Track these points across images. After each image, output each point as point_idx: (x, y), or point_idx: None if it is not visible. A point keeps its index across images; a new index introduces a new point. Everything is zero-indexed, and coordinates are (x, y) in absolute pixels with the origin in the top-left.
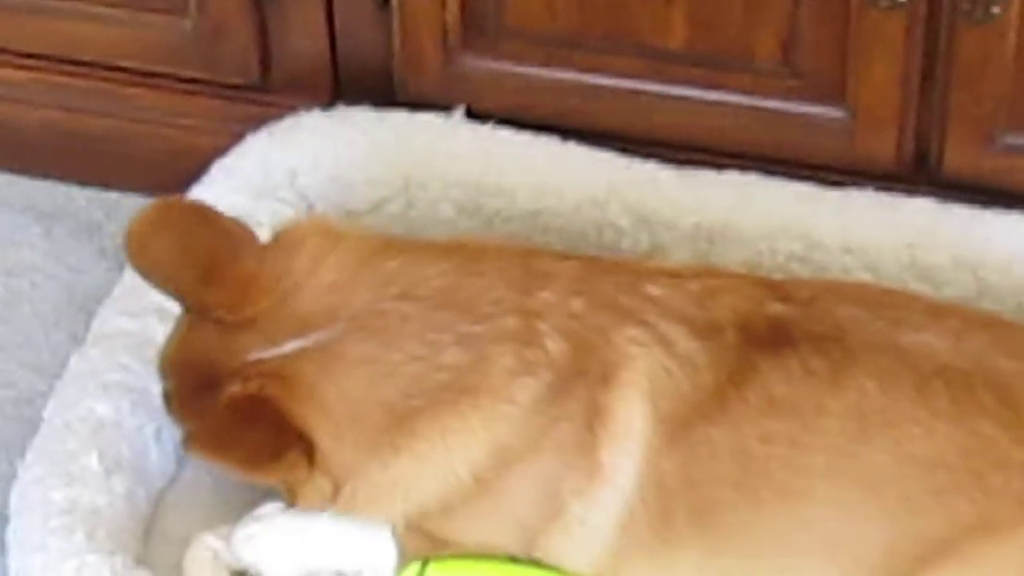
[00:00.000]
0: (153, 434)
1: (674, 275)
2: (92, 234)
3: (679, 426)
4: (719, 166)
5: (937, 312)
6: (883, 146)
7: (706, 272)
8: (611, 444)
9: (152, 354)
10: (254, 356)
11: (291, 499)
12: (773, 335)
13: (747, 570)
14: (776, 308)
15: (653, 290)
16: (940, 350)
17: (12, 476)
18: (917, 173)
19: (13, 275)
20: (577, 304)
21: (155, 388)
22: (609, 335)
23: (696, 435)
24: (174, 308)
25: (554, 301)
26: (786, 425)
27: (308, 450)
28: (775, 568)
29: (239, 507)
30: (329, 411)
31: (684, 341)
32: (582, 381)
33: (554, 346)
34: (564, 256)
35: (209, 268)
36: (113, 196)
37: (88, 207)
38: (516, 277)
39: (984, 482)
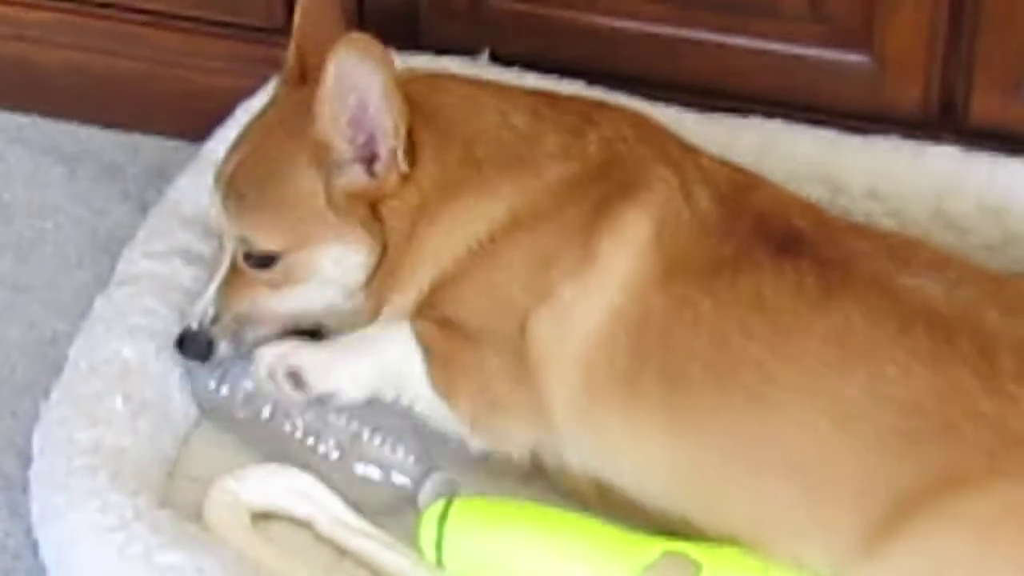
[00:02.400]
0: (178, 378)
1: (734, 166)
2: (115, 176)
3: (672, 273)
4: (743, 111)
5: (942, 263)
6: (908, 93)
7: (765, 180)
8: (611, 238)
9: (178, 298)
10: None
11: (372, 218)
12: (783, 240)
13: (714, 469)
14: (800, 222)
15: (704, 160)
16: (932, 296)
17: (35, 416)
18: (942, 120)
19: (36, 216)
20: (628, 131)
21: (179, 331)
22: (644, 163)
23: (684, 292)
24: (199, 250)
25: (611, 119)
26: (766, 328)
27: (412, 153)
28: (742, 477)
29: (260, 451)
30: (436, 127)
31: (705, 201)
32: (603, 183)
33: (594, 149)
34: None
35: None
36: (136, 138)
37: (111, 149)
38: (589, 103)
39: (956, 431)
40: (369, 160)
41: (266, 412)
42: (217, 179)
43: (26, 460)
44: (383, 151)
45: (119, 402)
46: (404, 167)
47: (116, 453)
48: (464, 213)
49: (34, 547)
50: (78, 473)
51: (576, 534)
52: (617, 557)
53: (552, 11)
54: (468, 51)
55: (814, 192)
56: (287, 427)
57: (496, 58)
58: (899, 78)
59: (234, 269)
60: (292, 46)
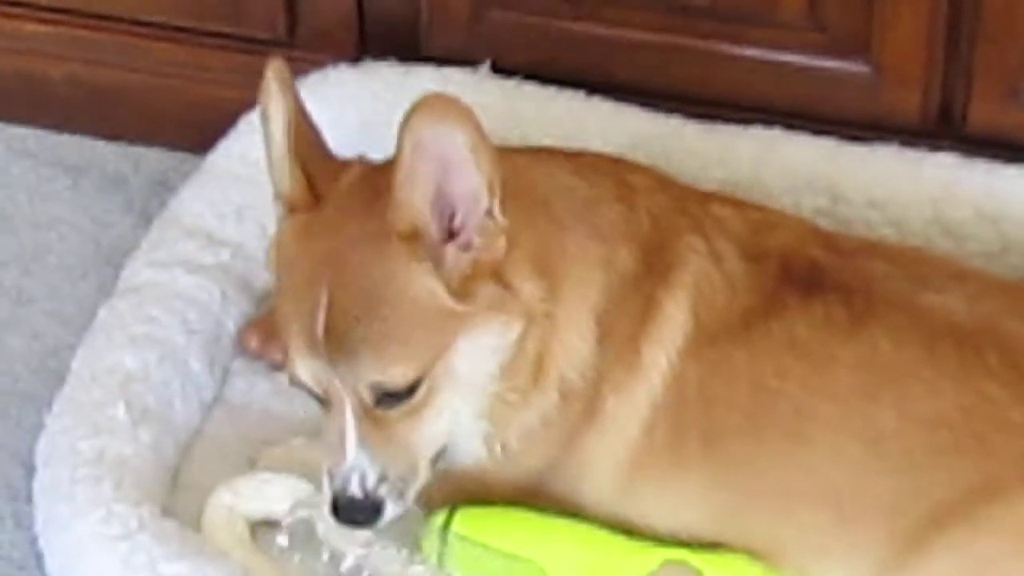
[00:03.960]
0: (179, 386)
1: (739, 203)
2: (118, 187)
3: (708, 339)
4: (744, 121)
5: (961, 276)
6: (907, 101)
7: (767, 209)
8: (653, 339)
9: (180, 306)
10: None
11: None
12: (808, 277)
13: (750, 508)
14: (817, 253)
15: (718, 209)
16: (954, 311)
17: (39, 427)
18: (941, 128)
19: (40, 228)
20: (663, 199)
21: (181, 340)
22: (678, 236)
23: (720, 352)
24: (202, 260)
25: (648, 186)
26: (800, 366)
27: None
28: (777, 511)
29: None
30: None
31: (733, 260)
32: (653, 271)
33: (646, 223)
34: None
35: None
36: (139, 150)
37: (115, 161)
38: (608, 163)
39: (986, 443)
40: (454, 233)
41: None
42: (310, 343)
43: (30, 470)
44: (473, 216)
45: (121, 411)
46: (502, 220)
47: (119, 462)
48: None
49: (39, 558)
50: (82, 483)
51: (577, 543)
52: (618, 566)
53: (552, 22)
54: (469, 62)
55: (814, 201)
56: None
57: (497, 69)
58: (898, 86)
59: (366, 418)
60: (290, 169)
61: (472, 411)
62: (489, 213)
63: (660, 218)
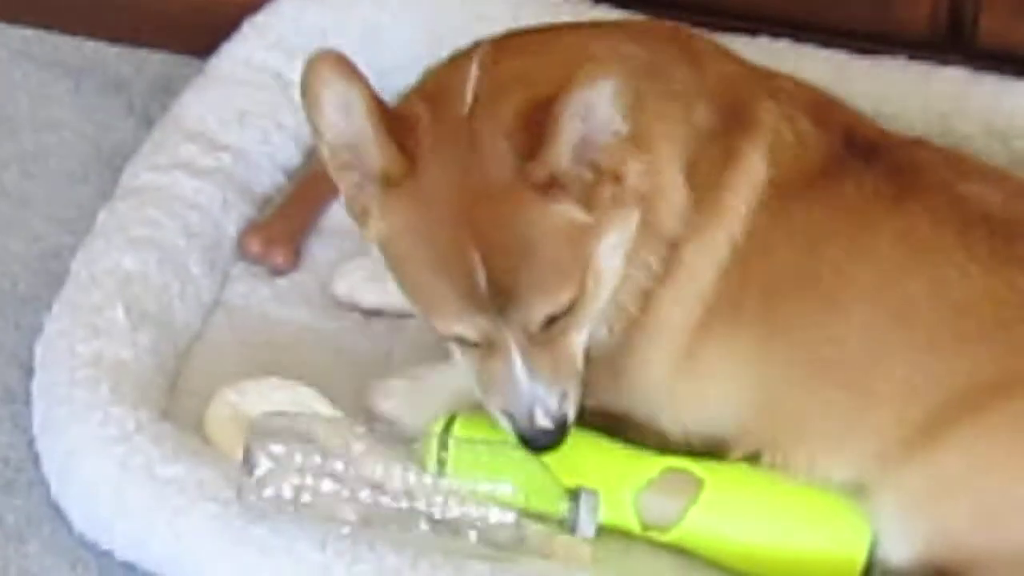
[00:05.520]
0: (179, 289)
1: (800, 83)
2: (120, 90)
3: (777, 193)
4: (751, 32)
5: (1002, 177)
6: (917, 13)
7: (827, 94)
8: (734, 186)
9: (180, 209)
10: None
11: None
12: (866, 150)
13: (785, 380)
14: (874, 133)
15: (781, 82)
16: (991, 203)
17: (38, 329)
18: (950, 42)
19: (41, 130)
20: (732, 65)
21: (182, 243)
22: (754, 97)
23: (784, 206)
24: (203, 164)
25: (713, 53)
26: (846, 230)
27: None
28: (805, 384)
29: (262, 363)
30: None
31: (803, 122)
32: (732, 125)
33: (721, 86)
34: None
35: None
36: (142, 53)
37: (116, 63)
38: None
39: (1009, 334)
40: (582, 155)
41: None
42: (472, 302)
43: (28, 372)
44: (603, 141)
45: (120, 313)
46: (626, 136)
47: (117, 365)
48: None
49: (36, 459)
50: (80, 385)
51: (579, 450)
52: (619, 474)
53: None
54: None
55: None
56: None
57: None
58: None
59: (529, 347)
60: (385, 146)
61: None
62: (616, 133)
63: (730, 80)
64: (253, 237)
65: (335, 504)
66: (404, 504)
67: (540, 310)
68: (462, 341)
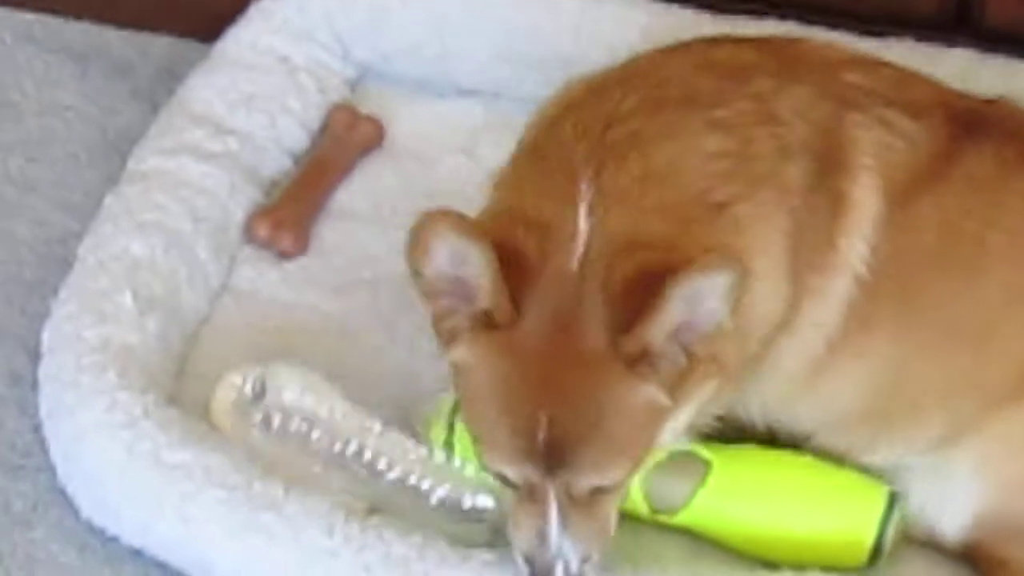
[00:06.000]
0: (186, 274)
1: (861, 63)
2: (126, 74)
3: (899, 201)
4: (757, 13)
5: None
6: None
7: (883, 62)
8: (847, 230)
9: (187, 194)
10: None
11: None
12: (971, 121)
13: (933, 357)
14: (965, 101)
15: (853, 77)
16: None
17: (45, 314)
18: (958, 23)
19: (47, 115)
20: (799, 91)
21: (189, 228)
22: (837, 118)
23: (910, 208)
24: (209, 148)
25: (775, 87)
26: (980, 203)
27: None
28: (946, 353)
29: (270, 349)
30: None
31: (900, 121)
32: (827, 167)
33: (802, 129)
34: (737, 43)
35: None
36: (147, 37)
37: (122, 48)
38: (714, 70)
39: None
40: (687, 342)
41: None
42: (526, 455)
43: (35, 357)
44: (705, 331)
45: (128, 298)
46: (729, 327)
47: (125, 350)
48: (760, 260)
49: (43, 444)
50: (87, 371)
51: None
52: None
53: None
54: None
55: None
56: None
57: None
58: None
59: (568, 504)
60: (492, 292)
61: None
62: (720, 325)
63: (808, 114)
64: (261, 221)
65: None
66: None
67: (590, 481)
68: (505, 480)
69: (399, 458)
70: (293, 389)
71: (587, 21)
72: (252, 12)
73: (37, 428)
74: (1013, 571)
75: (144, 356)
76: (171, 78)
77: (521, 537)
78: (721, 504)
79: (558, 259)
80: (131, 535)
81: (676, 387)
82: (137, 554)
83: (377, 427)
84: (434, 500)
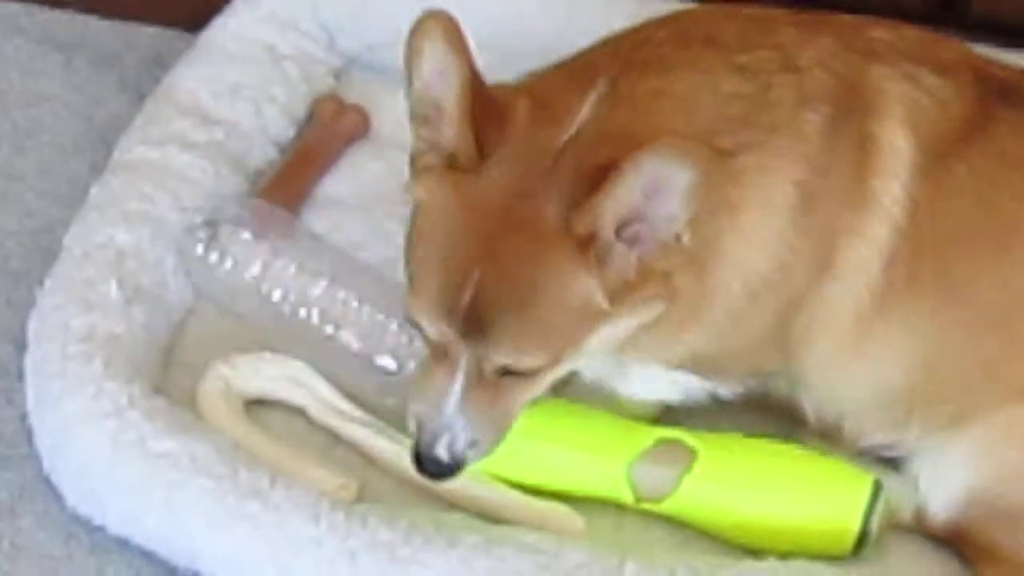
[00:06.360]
0: (172, 264)
1: (888, 25)
2: (111, 64)
3: (932, 156)
4: (743, 2)
5: None
6: None
7: (909, 25)
8: (880, 171)
9: (173, 184)
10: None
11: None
12: (1004, 89)
13: (963, 333)
14: (996, 69)
15: (878, 33)
16: None
17: (31, 304)
18: (944, 13)
19: (32, 105)
20: (823, 41)
21: (175, 218)
22: (861, 70)
23: (946, 168)
24: (195, 138)
25: (798, 37)
26: (1013, 177)
27: None
28: (989, 327)
29: (256, 338)
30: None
31: (928, 77)
32: (850, 113)
33: (822, 77)
34: (763, 6)
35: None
36: (133, 27)
37: (108, 37)
38: (740, 20)
39: None
40: (635, 240)
41: (276, 295)
42: (447, 312)
43: (21, 347)
44: (660, 234)
45: (113, 288)
46: (688, 245)
47: (110, 340)
48: (756, 214)
49: (29, 434)
50: (73, 360)
51: (571, 422)
52: (612, 445)
53: None
54: None
55: None
56: (302, 313)
57: None
58: None
59: (474, 382)
60: (458, 125)
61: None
62: (678, 238)
63: (831, 63)
64: None
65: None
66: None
67: (503, 357)
68: (422, 332)
69: (385, 448)
70: (277, 379)
71: (575, 11)
72: (238, 2)
73: (23, 418)
74: (998, 557)
75: (130, 346)
76: (157, 68)
77: (418, 398)
78: (707, 492)
79: (547, 132)
80: (117, 525)
81: (619, 294)
82: (123, 543)
83: (361, 416)
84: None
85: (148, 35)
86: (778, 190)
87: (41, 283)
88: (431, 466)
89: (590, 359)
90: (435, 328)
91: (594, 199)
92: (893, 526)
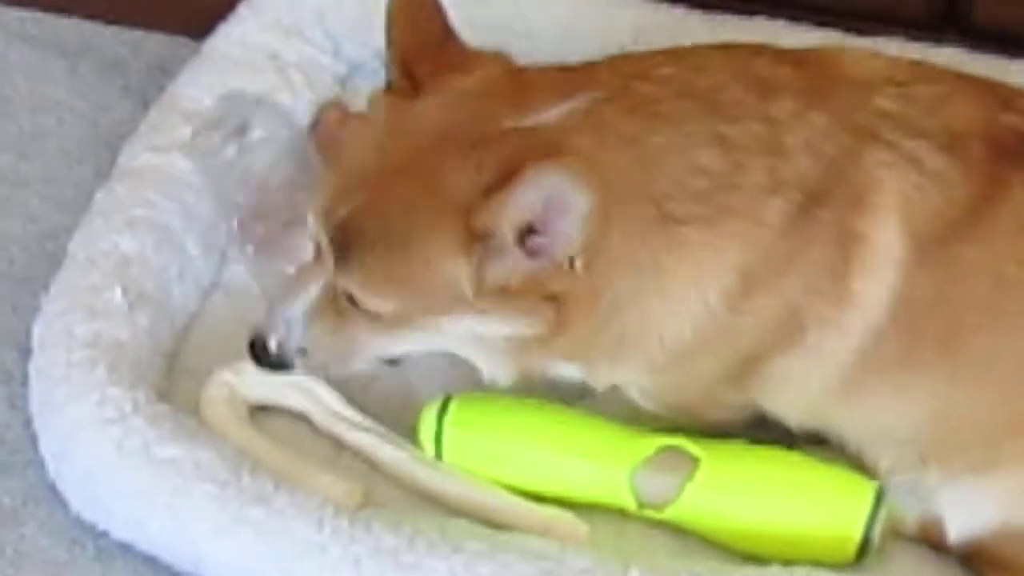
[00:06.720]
0: (177, 271)
1: (898, 83)
2: (117, 71)
3: (934, 245)
4: (747, 12)
5: None
6: None
7: (925, 74)
8: (864, 272)
9: (177, 190)
10: (508, 124)
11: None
12: (1017, 148)
13: (981, 398)
14: (1012, 119)
15: (885, 103)
16: None
17: (35, 310)
18: (947, 22)
19: (38, 112)
20: (819, 119)
21: (179, 224)
22: (856, 156)
23: (950, 253)
24: (200, 144)
25: (795, 112)
26: None
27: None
28: (1008, 396)
29: None
30: (615, 192)
31: (932, 158)
32: (831, 205)
33: (805, 163)
34: (778, 55)
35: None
36: (138, 33)
37: (113, 44)
38: (746, 78)
39: None
40: (534, 252)
41: None
42: (324, 212)
43: (25, 353)
44: (554, 253)
45: (118, 294)
46: (581, 275)
47: (115, 346)
48: (686, 285)
49: (33, 440)
50: (77, 366)
51: (574, 429)
52: (614, 452)
53: None
54: None
55: None
56: None
57: None
58: None
59: (333, 297)
60: (394, 55)
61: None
62: (571, 263)
63: (823, 146)
64: None
65: None
66: None
67: (351, 284)
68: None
69: (390, 455)
70: (281, 386)
71: (577, 20)
72: (243, 9)
73: (27, 424)
74: (1013, 570)
75: (134, 352)
76: (162, 75)
77: (276, 286)
78: (709, 499)
79: (502, 112)
80: (121, 530)
81: (492, 293)
82: (127, 549)
83: (366, 424)
84: None
85: (153, 42)
86: (715, 270)
87: (46, 289)
88: (259, 351)
89: (459, 347)
90: (315, 226)
91: (496, 199)
92: (896, 534)
